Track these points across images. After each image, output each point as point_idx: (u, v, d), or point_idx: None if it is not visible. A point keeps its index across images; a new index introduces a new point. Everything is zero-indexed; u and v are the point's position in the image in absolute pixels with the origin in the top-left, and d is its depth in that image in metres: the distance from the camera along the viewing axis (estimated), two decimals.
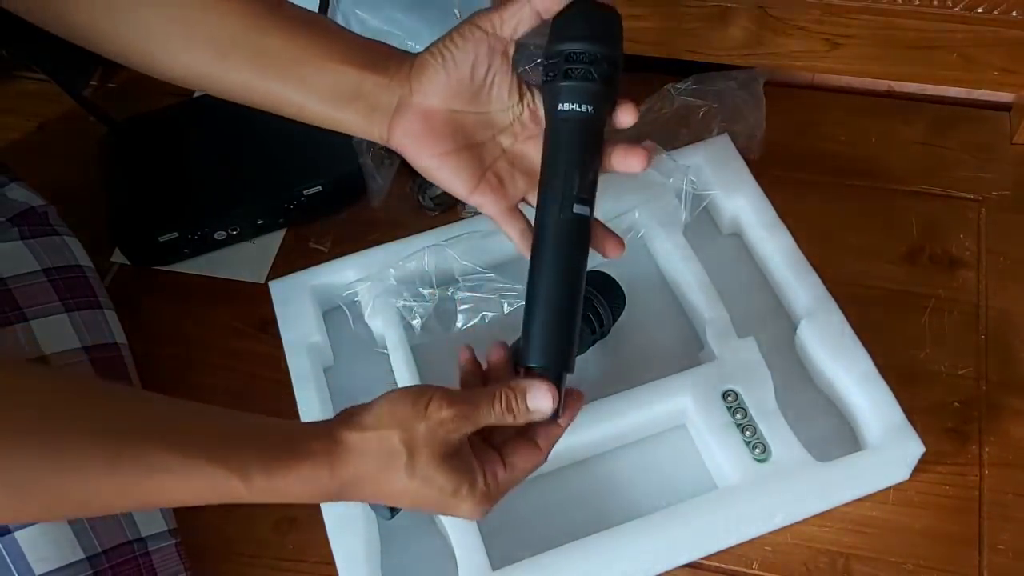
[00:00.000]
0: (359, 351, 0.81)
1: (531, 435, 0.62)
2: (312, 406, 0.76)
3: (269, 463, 0.56)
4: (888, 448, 0.70)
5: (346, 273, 0.81)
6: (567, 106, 0.61)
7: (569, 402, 0.63)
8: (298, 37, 0.64)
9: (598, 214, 0.63)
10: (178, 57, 0.65)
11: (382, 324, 0.79)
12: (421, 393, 0.59)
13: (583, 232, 0.62)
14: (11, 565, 0.64)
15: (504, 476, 0.61)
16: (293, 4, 0.67)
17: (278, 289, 0.82)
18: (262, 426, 0.59)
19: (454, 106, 0.63)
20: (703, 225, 0.84)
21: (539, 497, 0.73)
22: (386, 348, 0.78)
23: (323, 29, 0.65)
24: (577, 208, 0.61)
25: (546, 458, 0.63)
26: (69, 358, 0.74)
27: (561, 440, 0.68)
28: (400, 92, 0.64)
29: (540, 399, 0.60)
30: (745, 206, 0.81)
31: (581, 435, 0.72)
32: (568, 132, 0.61)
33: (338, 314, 0.81)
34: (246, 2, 0.64)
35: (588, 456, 0.75)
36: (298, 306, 0.80)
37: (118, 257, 0.90)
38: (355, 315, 0.80)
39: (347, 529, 0.70)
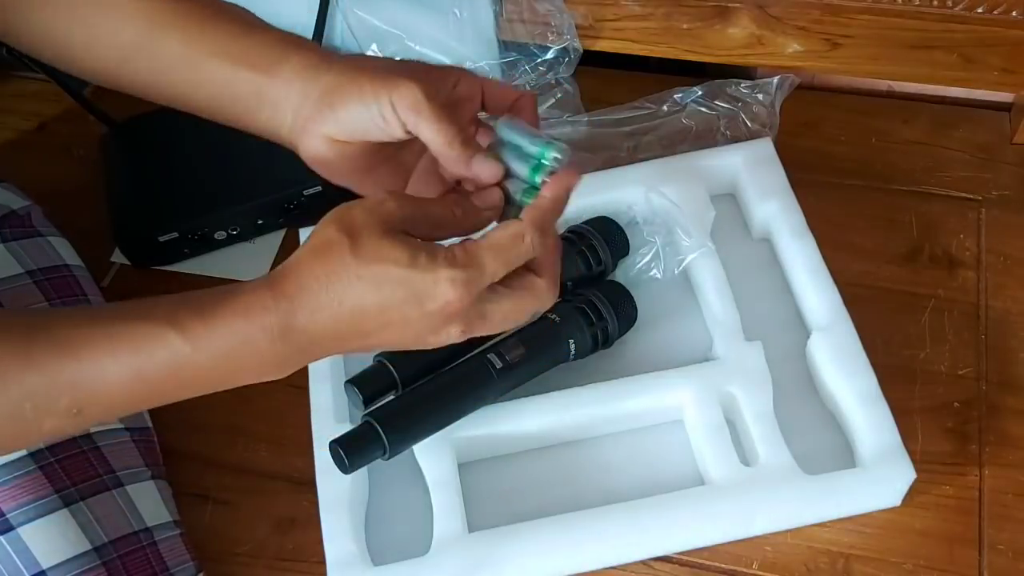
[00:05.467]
0: None
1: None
2: None
3: (201, 306, 0.53)
4: (879, 470, 0.69)
5: None
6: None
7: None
8: (199, 37, 0.61)
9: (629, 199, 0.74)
10: (82, 58, 0.65)
11: None
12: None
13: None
14: (16, 560, 0.64)
15: (473, 245, 0.54)
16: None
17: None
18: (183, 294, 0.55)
19: (361, 139, 0.60)
20: (734, 228, 0.84)
21: (527, 472, 0.74)
22: None
23: (228, 25, 0.62)
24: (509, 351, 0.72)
25: (531, 230, 0.54)
26: None
27: (554, 419, 0.68)
28: (301, 104, 0.60)
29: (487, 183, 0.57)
30: (776, 212, 0.81)
31: (574, 415, 0.73)
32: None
33: None
34: (151, 1, 0.62)
35: (580, 438, 0.75)
36: None
37: (118, 257, 0.90)
38: None
39: (334, 474, 0.69)
